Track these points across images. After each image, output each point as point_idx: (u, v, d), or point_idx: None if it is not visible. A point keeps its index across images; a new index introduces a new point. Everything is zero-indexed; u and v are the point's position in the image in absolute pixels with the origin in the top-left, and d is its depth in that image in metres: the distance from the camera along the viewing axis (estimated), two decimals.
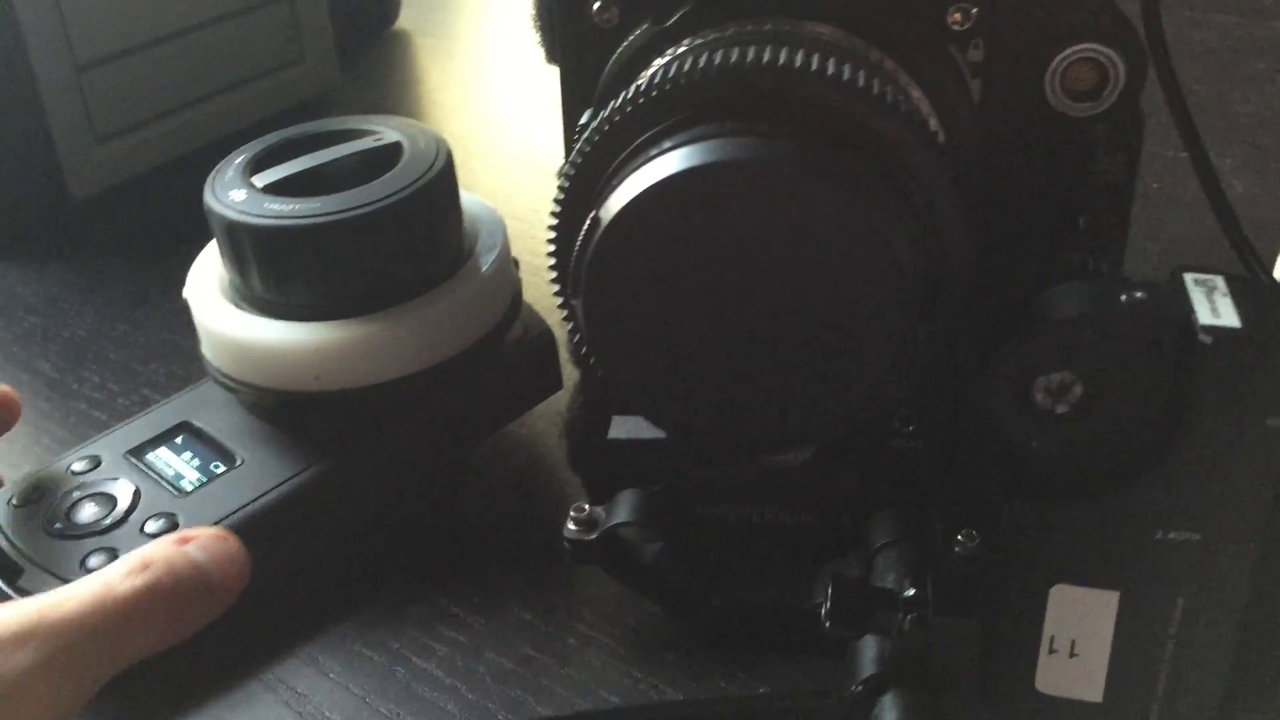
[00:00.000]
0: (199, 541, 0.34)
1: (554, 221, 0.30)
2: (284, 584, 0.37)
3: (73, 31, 0.58)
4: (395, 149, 0.40)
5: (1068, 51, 0.32)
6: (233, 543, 0.34)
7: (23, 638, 0.29)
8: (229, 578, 0.33)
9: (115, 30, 0.60)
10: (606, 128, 0.29)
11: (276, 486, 0.38)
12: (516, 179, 0.62)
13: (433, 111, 0.71)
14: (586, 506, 0.37)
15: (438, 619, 0.38)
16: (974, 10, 0.32)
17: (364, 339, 0.39)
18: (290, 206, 0.38)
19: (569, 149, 0.36)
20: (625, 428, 0.34)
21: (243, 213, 0.38)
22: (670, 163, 0.27)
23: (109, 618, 0.31)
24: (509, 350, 0.43)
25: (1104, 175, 0.34)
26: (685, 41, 0.32)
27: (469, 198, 0.44)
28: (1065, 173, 0.34)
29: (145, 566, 0.32)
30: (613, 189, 0.28)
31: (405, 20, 0.81)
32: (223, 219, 0.38)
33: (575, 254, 0.28)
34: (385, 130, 0.41)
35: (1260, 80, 0.67)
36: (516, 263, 0.44)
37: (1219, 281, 0.28)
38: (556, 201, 0.30)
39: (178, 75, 0.63)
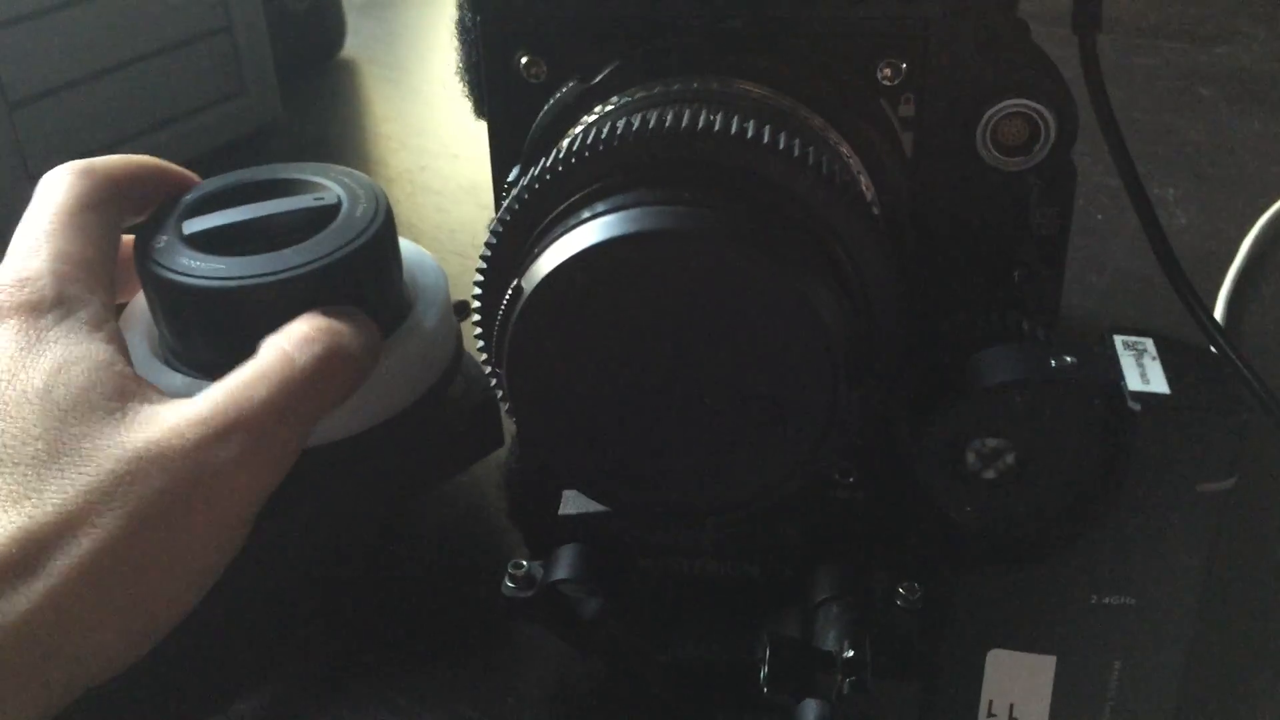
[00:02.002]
0: (332, 314, 0.34)
1: (478, 290, 0.29)
2: (209, 649, 0.36)
3: (4, 69, 0.57)
4: (333, 209, 0.38)
5: (998, 106, 0.32)
6: (360, 314, 0.35)
7: (227, 430, 0.30)
8: (367, 346, 0.34)
9: (48, 67, 0.59)
10: (526, 196, 0.28)
11: None
12: (461, 215, 0.62)
13: (377, 145, 0.71)
14: (525, 563, 0.36)
15: (373, 680, 0.37)
16: (904, 66, 0.32)
17: None
18: (221, 266, 0.36)
19: (498, 204, 0.36)
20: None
21: (172, 271, 0.37)
22: (592, 232, 0.27)
23: (295, 394, 0.31)
24: (450, 407, 0.42)
25: (1037, 227, 0.34)
26: (613, 99, 0.32)
27: (410, 248, 0.43)
28: (999, 226, 0.34)
29: (310, 338, 0.32)
30: (535, 257, 0.27)
31: (352, 49, 0.80)
32: (151, 278, 0.37)
33: (498, 323, 0.28)
34: (325, 182, 0.40)
35: (1205, 108, 0.67)
36: (464, 306, 0.43)
37: (1149, 345, 0.28)
38: (480, 271, 0.29)
39: (114, 111, 0.62)
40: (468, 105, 0.38)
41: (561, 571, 0.36)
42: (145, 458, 0.29)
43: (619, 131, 0.28)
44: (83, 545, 0.28)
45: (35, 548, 0.27)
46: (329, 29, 0.79)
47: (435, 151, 0.68)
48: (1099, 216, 0.58)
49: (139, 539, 0.28)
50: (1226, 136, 0.64)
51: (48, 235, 0.34)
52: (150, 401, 0.31)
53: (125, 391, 0.30)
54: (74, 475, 0.28)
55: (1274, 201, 0.57)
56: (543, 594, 0.36)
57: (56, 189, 0.35)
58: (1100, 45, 0.39)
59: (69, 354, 0.31)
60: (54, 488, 0.28)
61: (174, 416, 0.30)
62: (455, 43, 0.35)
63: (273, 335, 0.33)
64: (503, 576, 0.36)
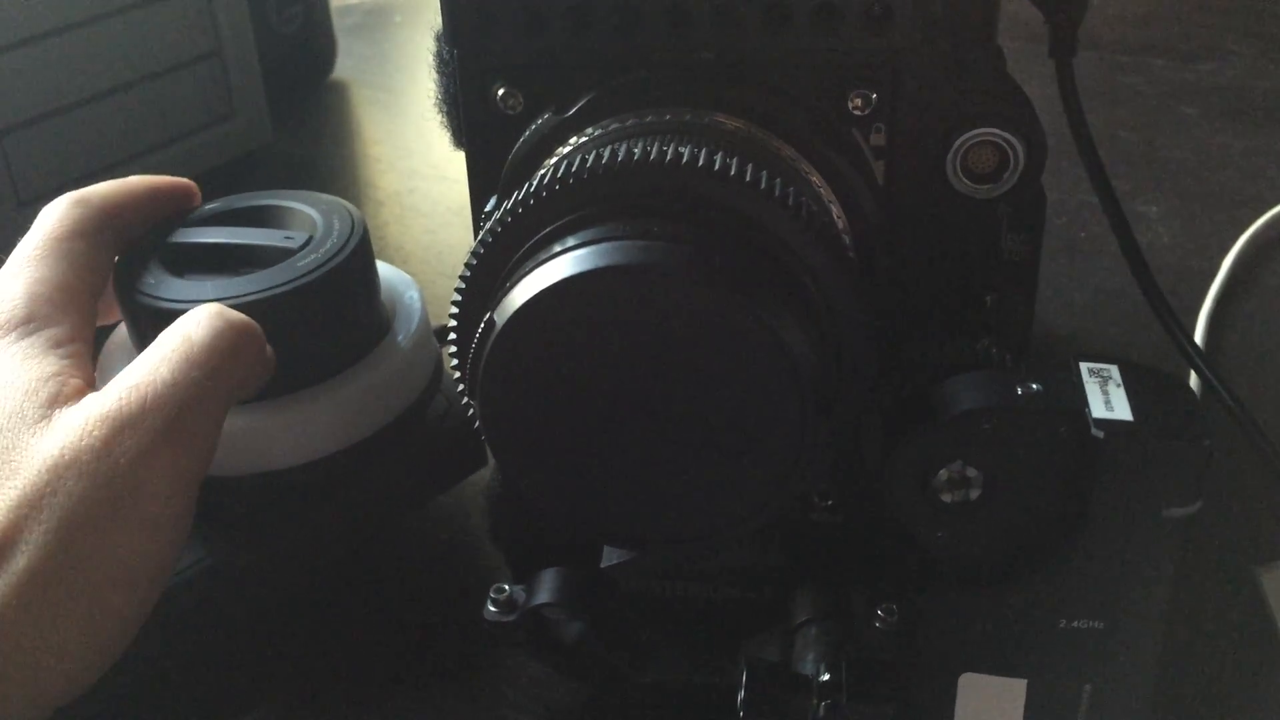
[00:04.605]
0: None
1: (453, 322, 0.30)
2: (186, 673, 0.36)
3: None
4: (306, 240, 0.39)
5: (967, 135, 0.32)
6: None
7: (135, 418, 0.29)
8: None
9: (38, 93, 0.59)
10: (499, 229, 0.28)
11: (177, 574, 0.37)
12: (449, 237, 0.62)
13: (366, 166, 0.71)
14: (506, 587, 0.37)
15: (354, 704, 0.38)
16: (874, 96, 0.32)
17: (275, 422, 0.38)
18: (195, 289, 0.37)
19: (477, 233, 0.36)
20: (617, 554, 0.34)
21: (141, 294, 0.37)
22: (562, 266, 0.27)
23: (199, 369, 0.31)
24: (430, 426, 0.42)
25: (1008, 253, 0.34)
26: (588, 130, 0.32)
27: (388, 270, 0.43)
28: (970, 252, 0.34)
29: (201, 317, 0.32)
30: (507, 290, 0.28)
31: (343, 70, 0.81)
32: (122, 300, 0.37)
33: (471, 355, 0.28)
34: (304, 209, 0.40)
35: (1188, 126, 0.68)
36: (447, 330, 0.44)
37: (1113, 371, 0.28)
38: (454, 303, 0.30)
39: (104, 136, 0.62)
40: (441, 128, 0.39)
41: (543, 595, 0.36)
42: (61, 464, 0.29)
43: (589, 165, 0.28)
44: (19, 563, 0.28)
45: None
46: (319, 51, 0.79)
47: (424, 174, 0.68)
48: (1081, 234, 0.58)
49: (72, 549, 0.28)
50: (1210, 154, 0.65)
51: (29, 261, 0.35)
52: (72, 405, 0.30)
53: (58, 399, 0.30)
54: (7, 490, 0.29)
55: (1256, 219, 0.58)
56: (525, 618, 0.36)
57: (49, 218, 0.36)
58: (1084, 62, 0.40)
59: (18, 369, 0.31)
60: None
61: (82, 416, 0.30)
62: (433, 75, 0.36)
63: (166, 328, 0.33)
64: (484, 600, 0.36)
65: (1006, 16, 0.35)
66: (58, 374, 0.31)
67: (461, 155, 0.38)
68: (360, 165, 0.72)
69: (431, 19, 0.35)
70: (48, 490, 0.28)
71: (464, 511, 0.45)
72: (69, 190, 0.61)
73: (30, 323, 0.32)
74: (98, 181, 0.63)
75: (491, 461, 0.44)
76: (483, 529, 0.43)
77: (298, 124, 0.74)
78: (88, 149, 0.62)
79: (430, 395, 0.42)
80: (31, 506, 0.28)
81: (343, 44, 0.81)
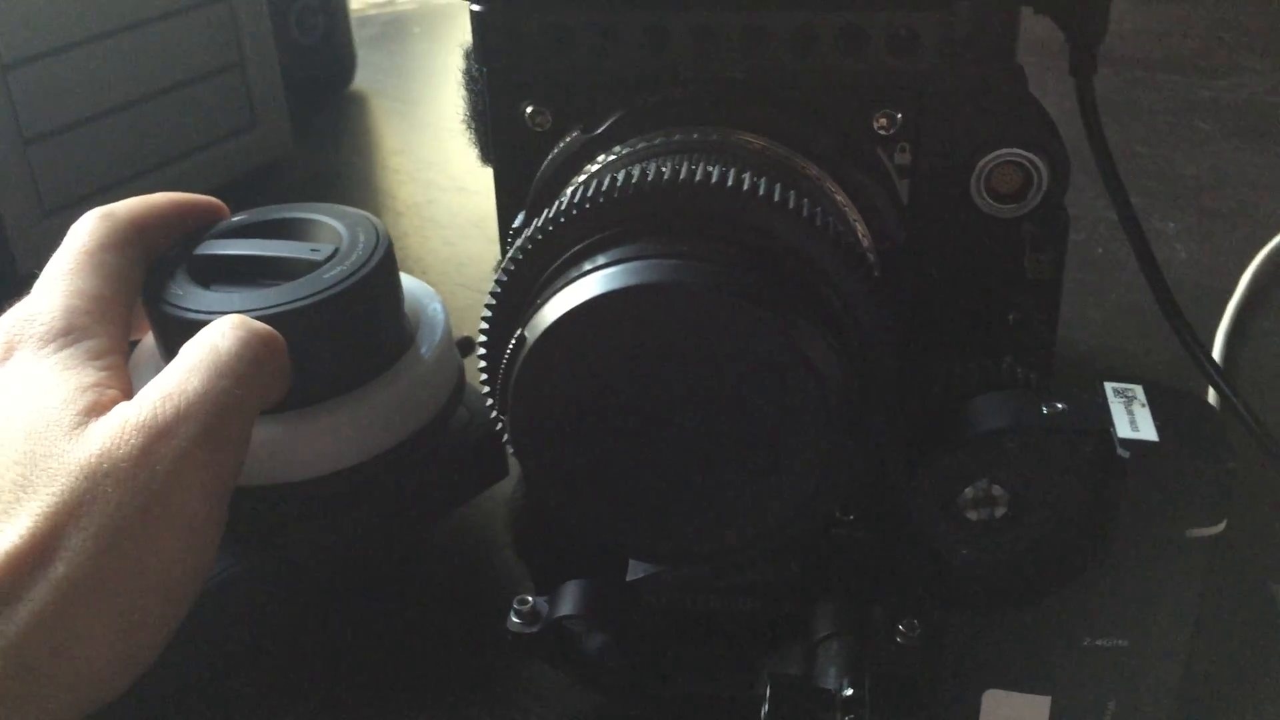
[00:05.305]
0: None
1: (483, 338, 0.30)
2: (207, 682, 0.37)
3: (19, 105, 0.58)
4: (332, 252, 0.39)
5: (991, 156, 0.33)
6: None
7: (169, 426, 0.30)
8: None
9: (62, 101, 0.60)
10: (530, 246, 0.29)
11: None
12: (468, 248, 0.63)
13: (385, 178, 0.72)
14: (530, 599, 0.37)
15: (377, 714, 0.38)
16: (899, 116, 0.32)
17: (300, 433, 0.38)
18: (223, 300, 0.37)
19: (504, 248, 0.36)
20: (643, 567, 0.34)
21: (176, 306, 0.38)
22: (594, 284, 0.27)
23: (228, 378, 0.32)
24: (452, 438, 0.43)
25: (1031, 272, 0.34)
26: (615, 149, 0.32)
27: (411, 282, 0.44)
28: (993, 270, 0.34)
29: (226, 328, 0.33)
30: (537, 308, 0.28)
31: (362, 81, 0.81)
32: (150, 311, 0.38)
33: (502, 371, 0.29)
34: (329, 221, 0.41)
35: (1205, 142, 0.68)
36: (470, 342, 0.44)
37: (1138, 392, 0.28)
38: (485, 319, 0.30)
39: (127, 145, 0.63)
40: (469, 145, 0.39)
41: (566, 607, 0.36)
42: (99, 472, 0.29)
43: (619, 184, 0.29)
44: (58, 569, 0.28)
45: (15, 572, 0.28)
46: (339, 62, 0.80)
47: (443, 185, 0.69)
48: (1099, 250, 0.59)
49: (110, 556, 0.29)
50: (1226, 170, 0.65)
51: (64, 274, 0.35)
52: (107, 415, 0.31)
53: (95, 408, 0.31)
54: (45, 496, 0.29)
55: (1274, 235, 0.58)
56: (548, 629, 0.36)
57: (80, 232, 0.36)
58: (1099, 78, 0.40)
59: (57, 380, 0.31)
60: (27, 510, 0.29)
61: (119, 425, 0.30)
62: (462, 92, 0.36)
63: (191, 339, 0.33)
64: (508, 611, 0.37)
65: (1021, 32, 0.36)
66: (96, 384, 0.31)
67: (480, 168, 0.38)
68: (379, 176, 0.72)
69: (449, 30, 0.35)
70: (86, 498, 0.29)
71: (485, 523, 0.45)
72: (93, 200, 0.62)
73: (69, 334, 0.33)
74: (121, 191, 0.64)
75: (513, 473, 0.45)
76: (504, 540, 0.43)
77: (317, 135, 0.75)
78: (112, 159, 0.62)
79: (453, 406, 0.42)
80: (70, 514, 0.29)
81: (361, 55, 0.81)
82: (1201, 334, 0.44)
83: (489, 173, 0.38)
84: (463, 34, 0.36)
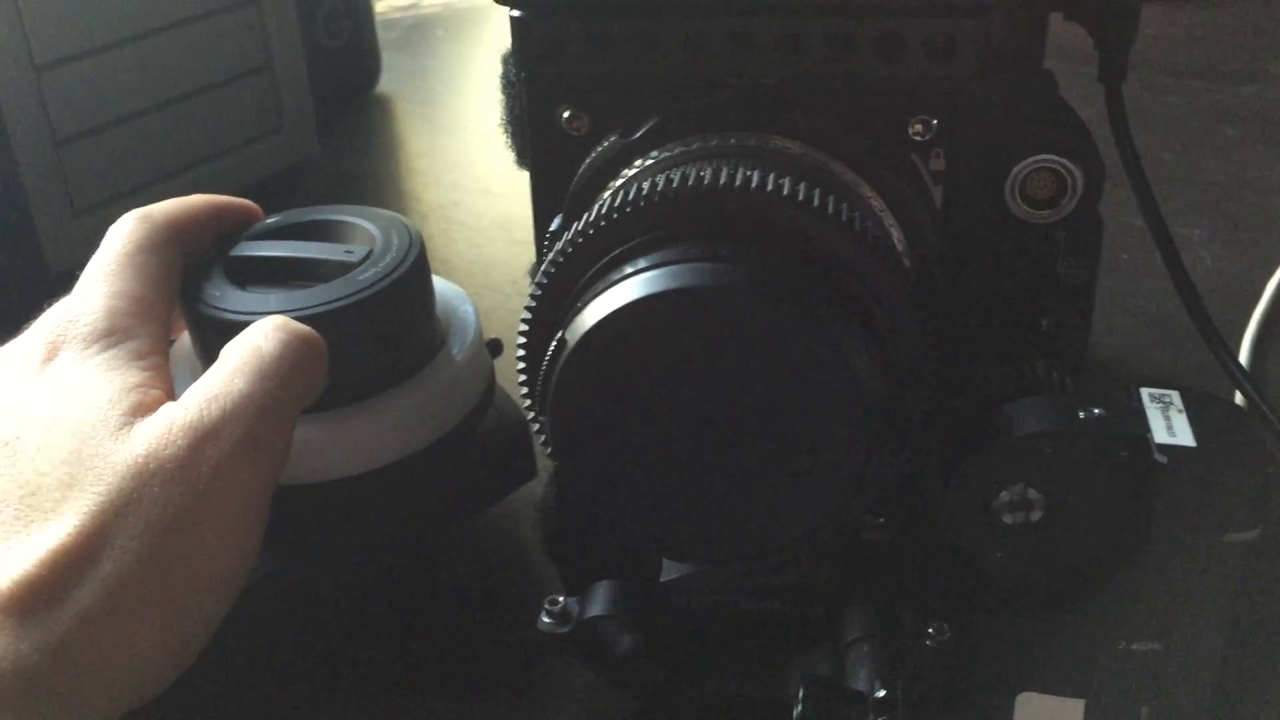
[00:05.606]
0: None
1: (522, 340, 0.30)
2: (240, 684, 0.37)
3: (51, 105, 0.59)
4: (366, 254, 0.40)
5: (1026, 162, 0.33)
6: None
7: (216, 427, 0.30)
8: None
9: (93, 103, 0.60)
10: (571, 249, 0.29)
11: None
12: (494, 251, 0.63)
13: (411, 180, 0.72)
14: (561, 599, 0.37)
15: (406, 714, 0.38)
16: (934, 122, 0.33)
17: (336, 433, 0.39)
18: (258, 301, 0.38)
19: (539, 251, 0.37)
20: (676, 568, 0.34)
21: (212, 307, 0.38)
22: (635, 287, 0.28)
23: (271, 379, 0.32)
24: (482, 439, 0.43)
25: (1065, 278, 0.34)
26: (653, 154, 0.33)
27: (442, 284, 0.44)
28: (1027, 276, 0.34)
29: (267, 329, 0.33)
30: (578, 310, 0.28)
31: (386, 84, 0.82)
32: (187, 311, 0.38)
33: (542, 374, 0.29)
34: (363, 224, 0.41)
35: (1229, 148, 0.68)
36: (499, 344, 0.44)
37: (1174, 398, 0.29)
38: (524, 321, 0.30)
39: (156, 147, 0.64)
40: (505, 148, 0.39)
41: (597, 608, 0.37)
42: (146, 471, 0.29)
43: (659, 188, 0.29)
44: (105, 568, 0.28)
45: (63, 570, 0.28)
46: (364, 65, 0.80)
47: (468, 187, 0.69)
48: (1124, 256, 0.59)
49: (157, 554, 0.29)
50: (1252, 177, 0.65)
51: (105, 275, 0.35)
52: (153, 415, 0.31)
53: (140, 409, 0.31)
54: (92, 496, 0.29)
55: None
56: (578, 629, 0.37)
57: (119, 234, 0.37)
58: (1125, 83, 0.40)
59: (102, 380, 0.32)
60: (74, 509, 0.29)
61: (165, 425, 0.30)
62: (500, 96, 0.36)
63: (232, 340, 0.34)
64: (538, 611, 0.37)
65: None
66: (140, 385, 0.32)
67: (505, 170, 0.38)
68: (405, 178, 0.73)
69: (473, 34, 0.35)
70: (133, 497, 0.29)
71: (514, 524, 0.45)
72: (122, 200, 0.63)
73: (112, 335, 0.33)
74: (150, 191, 0.65)
75: (541, 474, 0.45)
76: (532, 541, 0.43)
77: (343, 137, 0.75)
78: (141, 160, 0.63)
79: (484, 407, 0.43)
80: (118, 513, 0.29)
81: (385, 58, 0.82)
82: (1227, 341, 0.44)
83: (513, 176, 0.39)
84: (486, 37, 0.37)
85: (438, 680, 0.39)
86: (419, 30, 0.92)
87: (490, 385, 0.44)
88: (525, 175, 0.37)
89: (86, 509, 0.29)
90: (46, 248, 0.59)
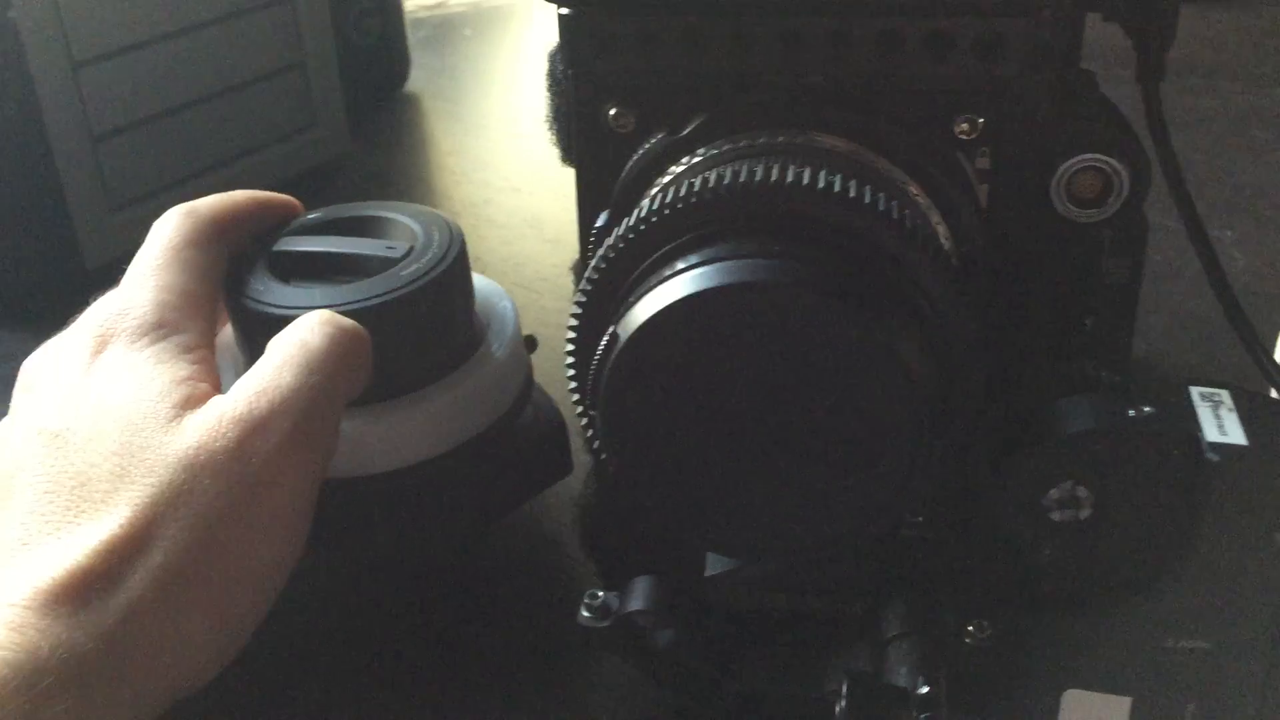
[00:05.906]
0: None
1: (572, 335, 0.31)
2: (281, 676, 0.37)
3: (88, 101, 0.59)
4: (408, 249, 0.40)
5: (1072, 161, 0.33)
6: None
7: (265, 420, 0.31)
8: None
9: (129, 99, 0.61)
10: (622, 245, 0.29)
11: None
12: (525, 248, 0.63)
13: (441, 178, 0.72)
14: (600, 594, 0.37)
15: (445, 709, 0.38)
16: (980, 121, 0.33)
17: (375, 428, 0.39)
18: (302, 296, 0.38)
19: (584, 248, 0.37)
20: (720, 563, 0.35)
21: (257, 301, 0.38)
22: (686, 283, 0.28)
23: (319, 373, 0.32)
24: (520, 435, 0.43)
25: (1109, 277, 0.34)
26: (700, 151, 0.33)
27: (481, 281, 0.44)
28: (1072, 275, 0.34)
29: (313, 323, 0.34)
30: (630, 306, 0.28)
31: (415, 83, 0.82)
32: (231, 305, 0.39)
33: (594, 368, 0.29)
34: (405, 220, 0.42)
35: (1262, 150, 0.68)
36: (534, 340, 0.45)
37: (1225, 396, 0.29)
38: (574, 316, 0.30)
39: (191, 143, 0.64)
40: (530, 141, 0.39)
41: (636, 602, 0.37)
42: (196, 464, 0.30)
43: (710, 185, 0.29)
44: (155, 558, 0.29)
45: (115, 560, 0.29)
46: (394, 64, 0.81)
47: (498, 185, 0.69)
48: (1157, 257, 0.58)
49: (206, 546, 0.29)
50: None
51: (153, 270, 0.36)
52: (202, 408, 0.31)
53: (189, 402, 0.32)
54: (141, 486, 0.30)
55: None
56: (618, 624, 0.37)
57: (165, 229, 0.37)
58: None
59: (152, 373, 0.32)
60: (124, 499, 0.29)
61: (215, 418, 0.31)
62: (545, 93, 0.37)
63: (279, 334, 0.34)
64: (577, 606, 0.37)
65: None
66: (189, 378, 0.32)
67: (534, 168, 0.38)
68: (435, 176, 0.73)
69: (499, 33, 0.35)
70: (184, 489, 0.29)
71: (549, 518, 0.46)
72: (158, 196, 0.63)
73: (161, 328, 0.33)
74: (185, 187, 0.65)
75: (578, 470, 0.45)
76: (569, 535, 0.43)
77: (373, 135, 0.76)
78: (176, 156, 0.64)
79: (523, 403, 0.43)
80: (169, 504, 0.29)
81: (414, 57, 0.82)
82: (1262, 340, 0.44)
83: (542, 174, 0.39)
84: (512, 36, 0.37)
85: (477, 674, 0.40)
86: (446, 29, 0.92)
87: (528, 381, 0.44)
88: (554, 173, 0.37)
89: (138, 500, 0.29)
90: (83, 242, 0.60)
